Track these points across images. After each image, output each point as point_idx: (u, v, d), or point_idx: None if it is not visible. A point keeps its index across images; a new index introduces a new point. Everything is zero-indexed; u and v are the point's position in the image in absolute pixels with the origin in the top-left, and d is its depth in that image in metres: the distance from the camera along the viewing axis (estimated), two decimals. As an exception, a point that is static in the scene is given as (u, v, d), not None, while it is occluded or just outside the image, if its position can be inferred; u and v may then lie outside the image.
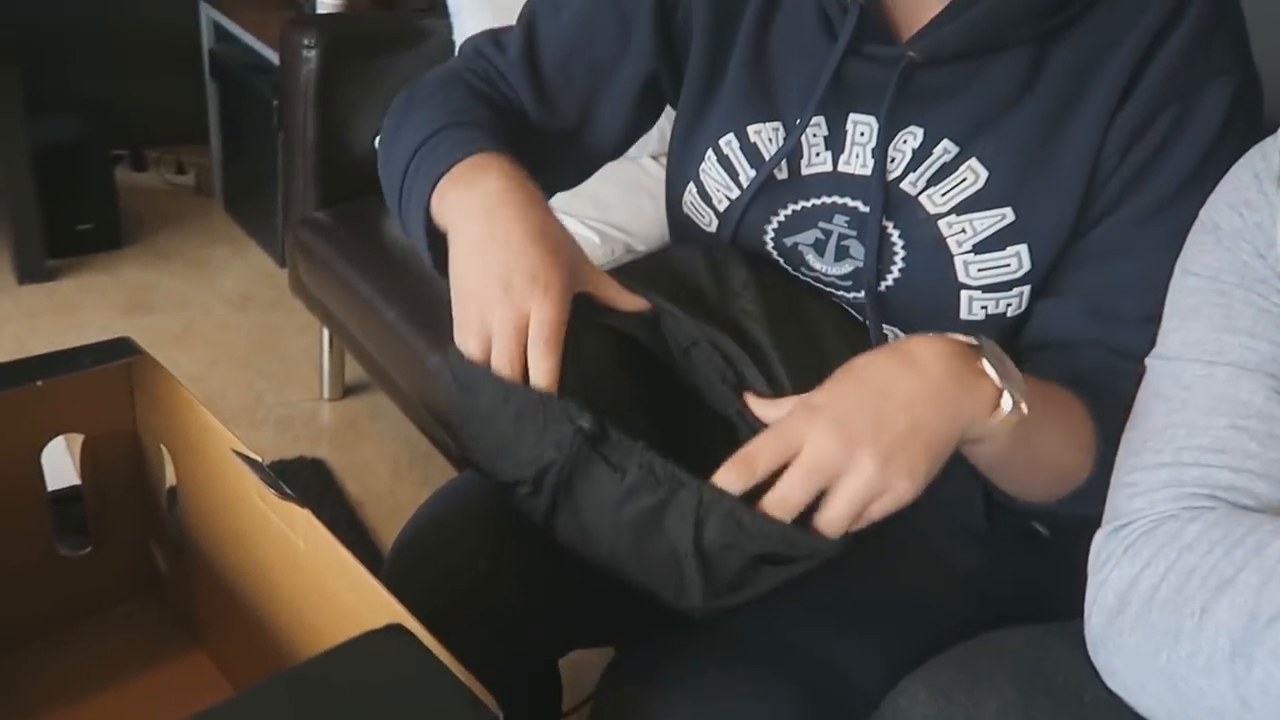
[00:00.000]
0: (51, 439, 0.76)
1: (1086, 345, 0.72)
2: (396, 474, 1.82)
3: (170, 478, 0.79)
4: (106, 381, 0.75)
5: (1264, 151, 0.61)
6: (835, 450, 0.58)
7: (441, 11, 1.76)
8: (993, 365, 0.62)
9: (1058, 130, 0.71)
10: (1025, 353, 0.75)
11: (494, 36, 0.86)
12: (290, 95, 1.72)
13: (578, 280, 0.67)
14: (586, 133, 0.85)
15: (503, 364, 0.63)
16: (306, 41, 1.67)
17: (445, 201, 0.71)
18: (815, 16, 0.76)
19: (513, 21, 0.86)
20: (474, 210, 0.68)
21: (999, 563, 0.81)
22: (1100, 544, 0.60)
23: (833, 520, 0.58)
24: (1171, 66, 0.68)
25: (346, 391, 2.01)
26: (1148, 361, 0.64)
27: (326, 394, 1.99)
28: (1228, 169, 0.64)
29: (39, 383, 0.71)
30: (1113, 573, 0.57)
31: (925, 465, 0.59)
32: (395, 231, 1.71)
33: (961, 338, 0.63)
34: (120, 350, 0.75)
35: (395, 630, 0.52)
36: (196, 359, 2.07)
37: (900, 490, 0.58)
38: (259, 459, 0.64)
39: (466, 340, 0.65)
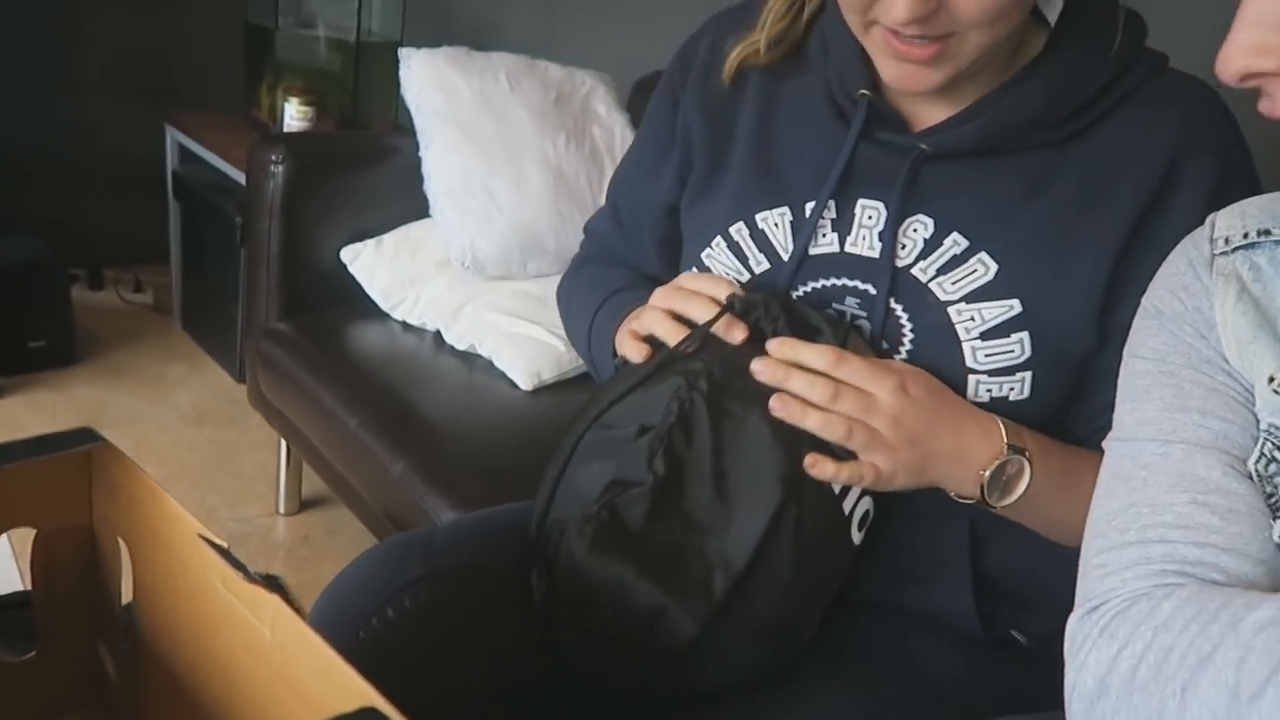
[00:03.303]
0: (2, 534, 0.73)
1: None
2: (353, 590, 1.78)
3: (126, 575, 0.76)
4: (63, 471, 0.73)
5: (1195, 240, 0.64)
6: (886, 428, 0.72)
7: (408, 129, 1.81)
8: (996, 478, 0.74)
9: (1071, 233, 0.74)
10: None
11: (601, 209, 1.04)
12: (255, 210, 1.74)
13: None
14: (666, 260, 0.96)
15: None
16: (274, 158, 1.70)
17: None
18: (826, 105, 0.80)
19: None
20: None
21: (980, 674, 0.82)
22: (1074, 627, 0.59)
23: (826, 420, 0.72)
24: (1208, 194, 0.72)
25: (303, 506, 1.97)
26: (1105, 444, 0.65)
27: (282, 509, 1.95)
28: None
29: (-6, 471, 0.68)
30: (1090, 656, 0.57)
31: (901, 478, 0.74)
32: (358, 341, 1.71)
33: (1004, 432, 0.74)
34: (79, 438, 0.73)
35: (368, 714, 0.50)
36: (147, 475, 2.03)
37: (874, 469, 0.73)
38: (224, 544, 0.63)
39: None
